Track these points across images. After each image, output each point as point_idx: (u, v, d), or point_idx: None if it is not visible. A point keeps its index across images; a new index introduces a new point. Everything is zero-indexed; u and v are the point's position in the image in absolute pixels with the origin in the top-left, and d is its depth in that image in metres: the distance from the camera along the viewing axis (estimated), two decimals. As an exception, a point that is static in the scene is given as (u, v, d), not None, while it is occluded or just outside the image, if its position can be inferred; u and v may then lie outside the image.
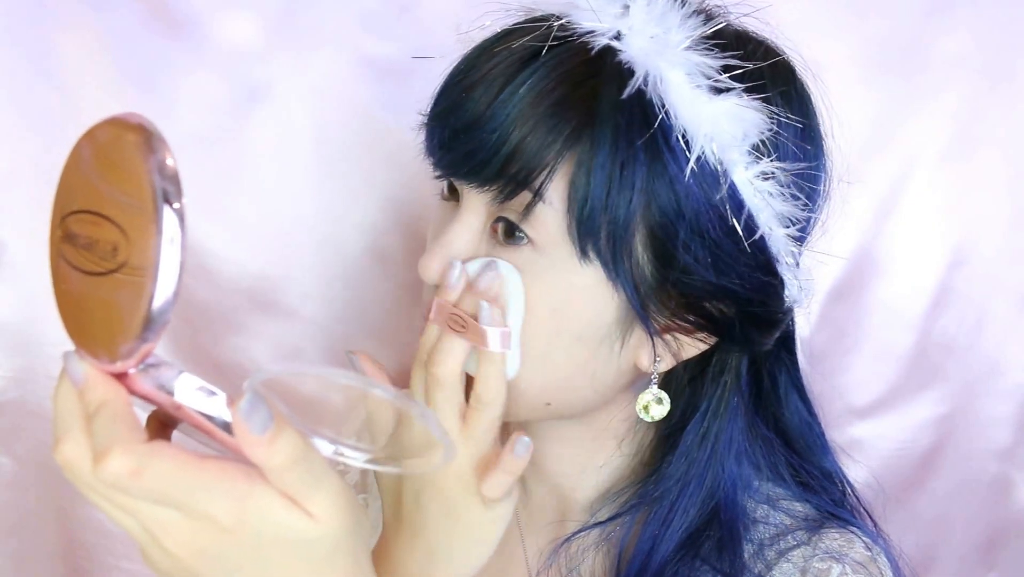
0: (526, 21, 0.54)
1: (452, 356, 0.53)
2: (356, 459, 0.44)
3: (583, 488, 0.64)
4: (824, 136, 0.58)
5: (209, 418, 0.40)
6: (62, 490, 0.87)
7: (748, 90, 0.51)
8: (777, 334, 0.59)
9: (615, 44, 0.51)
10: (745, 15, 0.58)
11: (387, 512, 0.57)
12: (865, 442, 0.96)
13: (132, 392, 0.40)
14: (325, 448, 0.43)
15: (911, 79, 0.90)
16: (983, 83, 0.90)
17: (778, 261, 0.54)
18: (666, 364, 0.57)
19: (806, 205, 0.55)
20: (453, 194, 0.56)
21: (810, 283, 0.58)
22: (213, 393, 0.40)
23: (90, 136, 0.39)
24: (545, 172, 0.50)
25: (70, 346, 0.40)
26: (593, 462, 0.63)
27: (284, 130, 0.86)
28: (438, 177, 0.57)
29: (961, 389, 0.95)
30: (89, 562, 0.88)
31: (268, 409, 0.38)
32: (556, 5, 0.54)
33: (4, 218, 0.82)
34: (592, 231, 0.51)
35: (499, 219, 0.53)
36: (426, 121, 0.56)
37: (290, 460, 0.38)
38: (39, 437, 0.86)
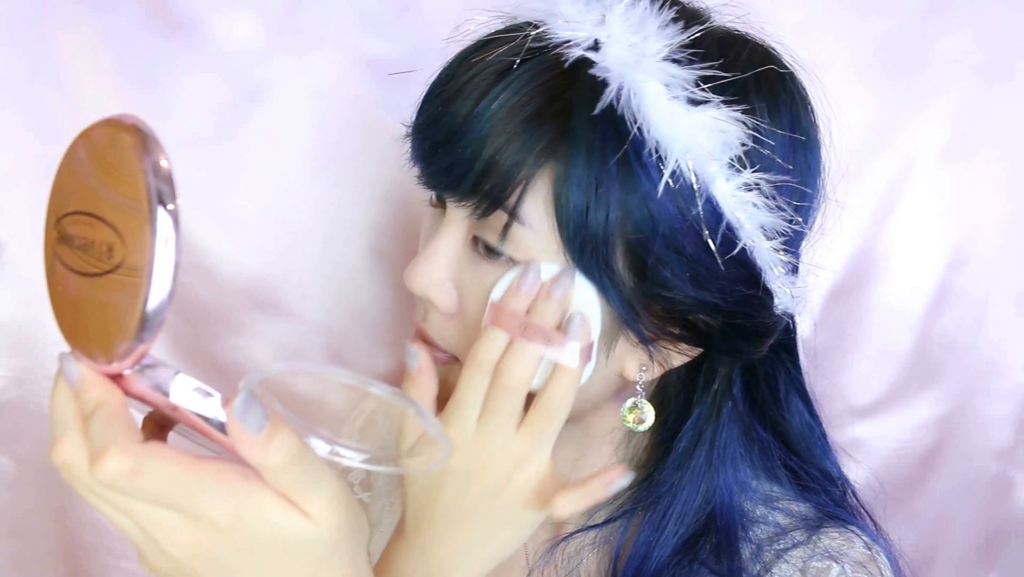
0: (505, 30, 0.54)
1: (527, 367, 0.51)
2: (352, 459, 0.44)
3: None
4: (820, 142, 0.57)
5: (205, 419, 0.40)
6: (62, 490, 0.87)
7: (728, 101, 0.50)
8: (768, 343, 0.58)
9: (590, 55, 0.50)
10: (739, 17, 0.57)
11: (415, 503, 0.55)
12: (865, 442, 0.96)
13: (128, 393, 0.40)
14: (321, 448, 0.43)
15: (911, 79, 0.90)
16: (983, 83, 0.90)
17: (764, 273, 0.53)
18: (652, 374, 0.57)
19: (793, 216, 0.53)
20: (441, 201, 0.56)
21: (804, 291, 0.57)
22: (209, 394, 0.40)
23: (85, 137, 0.39)
24: (518, 189, 0.50)
25: (67, 347, 0.40)
26: (588, 464, 0.63)
27: (284, 130, 0.86)
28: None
29: (961, 389, 0.95)
30: (89, 562, 0.88)
31: (263, 408, 0.38)
32: (535, 12, 0.53)
33: (4, 218, 0.82)
34: (574, 247, 0.50)
35: (476, 237, 0.53)
36: (410, 131, 0.56)
37: (286, 460, 0.38)
38: (39, 437, 0.86)
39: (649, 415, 0.58)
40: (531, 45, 0.51)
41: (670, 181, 0.48)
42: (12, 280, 0.83)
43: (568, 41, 0.50)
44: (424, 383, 0.54)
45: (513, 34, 0.52)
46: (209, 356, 0.88)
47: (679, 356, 0.56)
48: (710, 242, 0.50)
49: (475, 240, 0.53)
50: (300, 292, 0.89)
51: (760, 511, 0.60)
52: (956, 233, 0.93)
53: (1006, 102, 0.90)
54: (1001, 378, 0.95)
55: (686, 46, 0.51)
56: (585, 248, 0.50)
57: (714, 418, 0.59)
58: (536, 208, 0.50)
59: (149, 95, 0.83)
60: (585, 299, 0.52)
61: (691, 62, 0.50)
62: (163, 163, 0.36)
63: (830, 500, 0.62)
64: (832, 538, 0.59)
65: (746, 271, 0.53)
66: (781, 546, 0.58)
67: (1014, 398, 0.95)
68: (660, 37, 0.50)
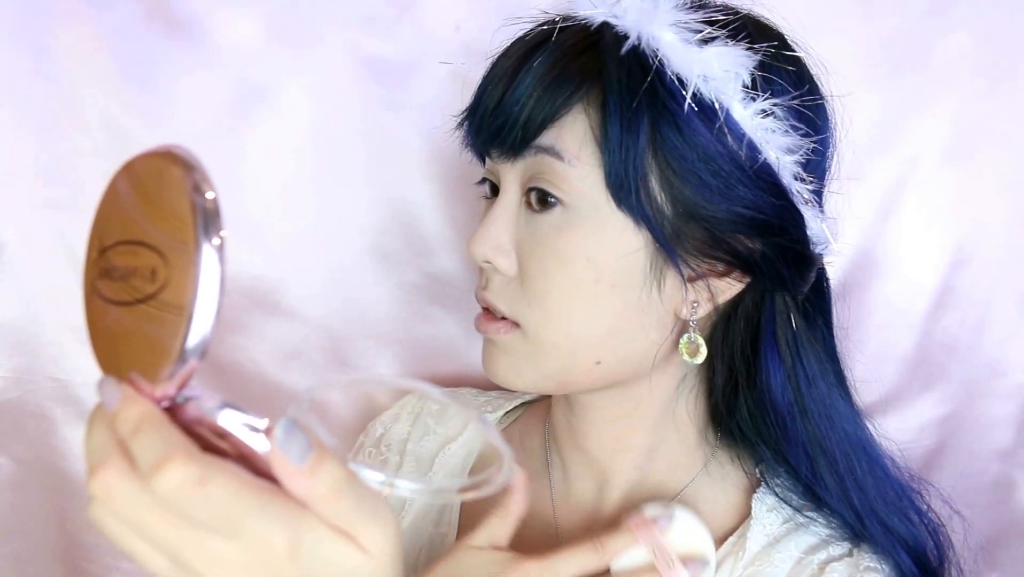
0: (535, 26, 0.60)
1: None
2: (407, 489, 0.42)
3: (622, 470, 0.65)
4: (820, 85, 0.61)
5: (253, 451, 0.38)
6: (62, 490, 0.87)
7: (732, 36, 0.56)
8: (810, 276, 0.61)
9: (611, 20, 0.56)
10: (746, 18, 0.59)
11: None
12: (866, 443, 0.96)
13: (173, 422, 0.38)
14: (374, 478, 0.41)
15: (912, 79, 0.90)
16: (984, 83, 0.90)
17: (790, 191, 0.57)
18: (704, 309, 0.59)
19: (808, 133, 0.57)
20: (494, 192, 0.62)
21: (835, 223, 0.61)
22: (256, 429, 0.38)
23: (128, 169, 0.39)
24: (557, 130, 0.56)
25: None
26: (631, 440, 0.64)
27: (284, 130, 0.86)
28: (479, 181, 0.64)
29: (963, 389, 0.95)
30: (89, 563, 0.88)
31: (306, 436, 0.37)
32: (557, 8, 0.60)
33: (4, 218, 0.82)
34: (615, 179, 0.55)
35: (530, 189, 0.58)
36: (461, 120, 0.63)
37: (333, 491, 0.37)
38: (39, 437, 0.86)
39: (702, 348, 0.60)
40: (562, 25, 0.58)
41: (692, 104, 0.54)
42: (12, 280, 0.83)
43: (589, 17, 0.58)
44: (518, 500, 0.59)
45: (542, 24, 0.59)
46: (209, 356, 0.88)
47: (727, 288, 0.59)
48: (737, 147, 0.54)
49: (528, 200, 0.59)
50: (300, 292, 0.89)
51: (803, 518, 0.63)
52: (959, 233, 0.92)
53: (1008, 102, 0.90)
54: (1004, 379, 0.94)
55: (690, 6, 0.58)
56: (625, 176, 0.55)
57: (799, 344, 0.62)
58: (573, 144, 0.56)
59: (149, 95, 0.83)
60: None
61: (697, 10, 0.57)
62: (209, 195, 0.36)
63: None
64: (871, 554, 0.62)
65: (773, 182, 0.56)
66: (824, 558, 0.61)
67: (1017, 399, 0.95)
68: (668, 1, 0.57)
